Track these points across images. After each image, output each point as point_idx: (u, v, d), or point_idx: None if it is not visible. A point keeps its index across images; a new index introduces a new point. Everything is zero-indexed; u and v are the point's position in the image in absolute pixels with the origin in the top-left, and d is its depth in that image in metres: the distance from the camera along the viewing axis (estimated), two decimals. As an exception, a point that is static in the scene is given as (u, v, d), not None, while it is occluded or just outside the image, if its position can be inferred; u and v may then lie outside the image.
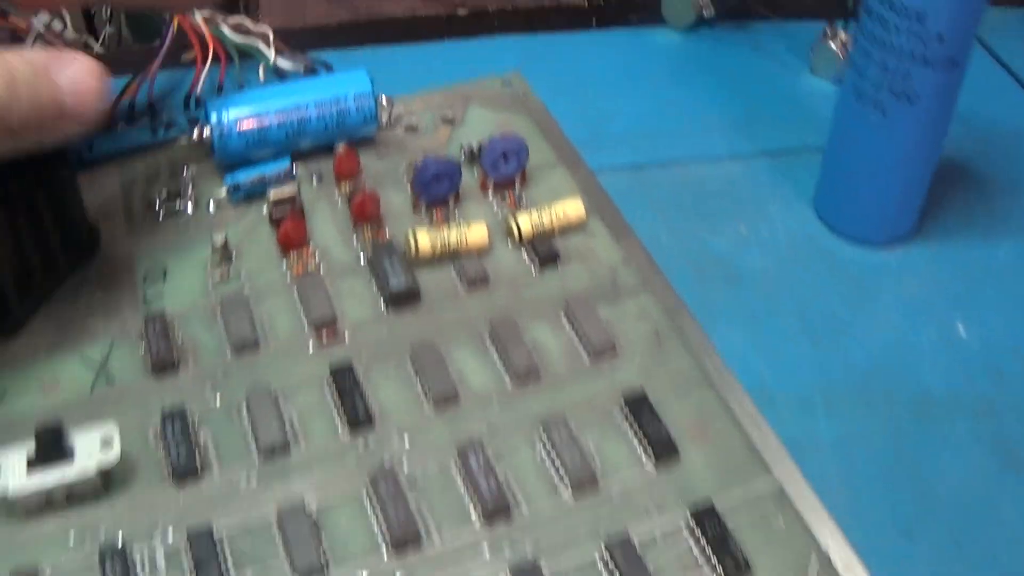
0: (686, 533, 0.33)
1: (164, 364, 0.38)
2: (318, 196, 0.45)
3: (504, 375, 0.38)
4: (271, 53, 0.54)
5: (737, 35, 0.62)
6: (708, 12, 0.61)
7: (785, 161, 0.52)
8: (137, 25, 0.96)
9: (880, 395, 0.42)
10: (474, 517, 0.34)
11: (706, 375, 0.38)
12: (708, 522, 0.33)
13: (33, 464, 0.33)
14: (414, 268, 0.41)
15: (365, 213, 0.43)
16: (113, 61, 0.40)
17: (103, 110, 0.36)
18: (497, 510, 0.34)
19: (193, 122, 0.48)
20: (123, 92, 0.50)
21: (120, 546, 0.32)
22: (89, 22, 1.01)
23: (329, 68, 0.51)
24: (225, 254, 0.42)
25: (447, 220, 0.44)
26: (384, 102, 0.47)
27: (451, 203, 0.44)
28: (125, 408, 0.37)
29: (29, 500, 0.33)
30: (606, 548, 0.33)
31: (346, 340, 0.39)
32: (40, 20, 0.54)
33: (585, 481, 0.35)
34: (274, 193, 0.43)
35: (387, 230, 0.43)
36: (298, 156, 0.46)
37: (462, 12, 0.60)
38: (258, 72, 0.54)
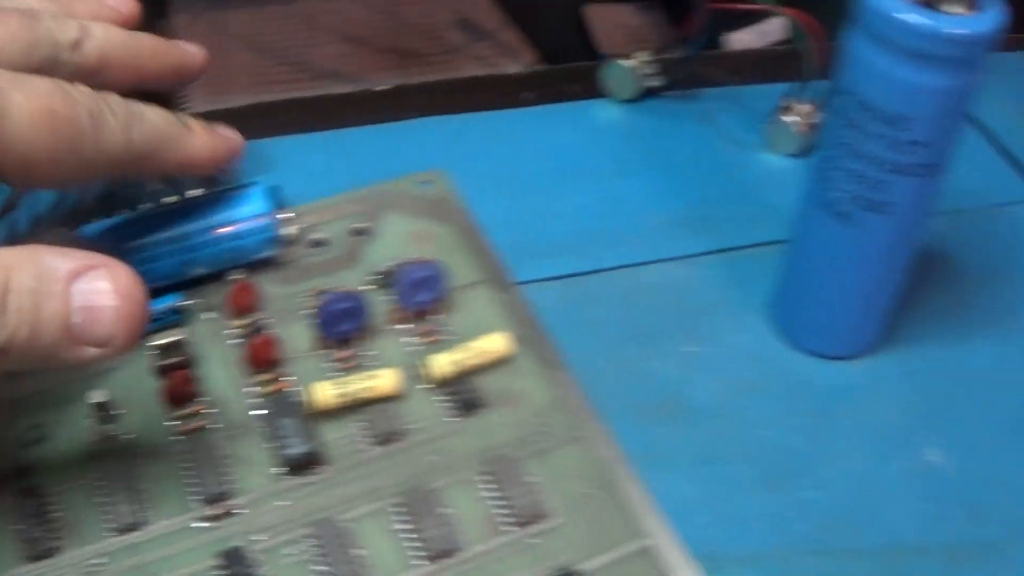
0: None
1: (40, 550, 0.36)
2: (210, 335, 0.43)
3: (419, 552, 0.37)
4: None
5: (686, 106, 0.60)
6: (652, 82, 0.58)
7: (737, 260, 0.51)
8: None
9: (843, 546, 0.41)
10: None
11: (646, 545, 0.37)
12: None
13: None
14: (316, 424, 0.39)
15: (262, 359, 0.41)
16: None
17: (130, 343, 0.33)
18: None
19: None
20: (3, 209, 0.47)
21: None
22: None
23: (225, 172, 0.48)
24: (105, 412, 0.39)
25: (357, 360, 0.41)
26: (287, 215, 0.44)
27: (360, 339, 0.42)
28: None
29: None
30: None
31: (239, 515, 0.38)
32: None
33: None
34: (158, 338, 0.40)
35: (287, 378, 0.41)
36: (187, 285, 0.44)
37: (380, 88, 0.57)
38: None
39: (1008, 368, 0.49)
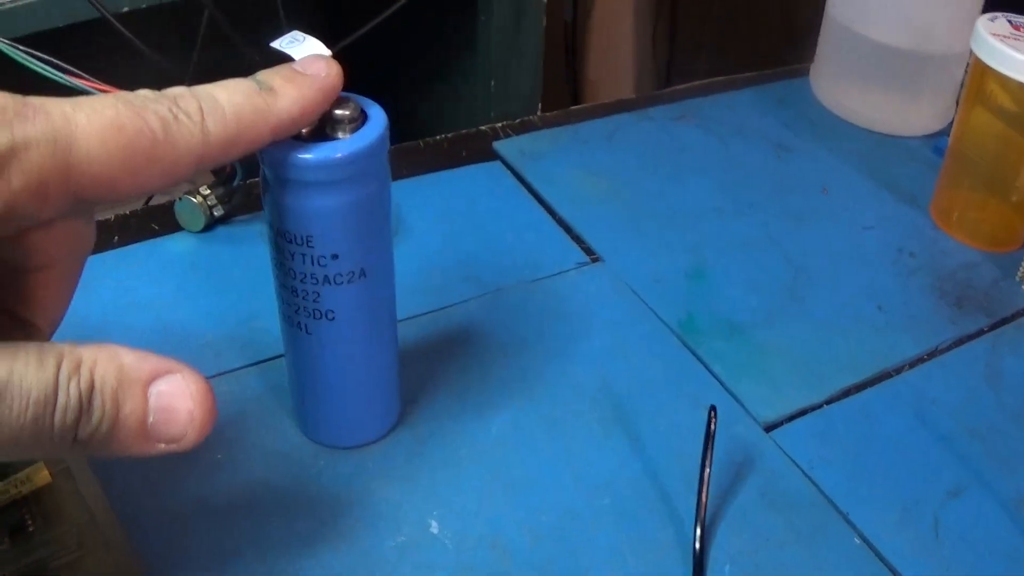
0: None
1: None
2: None
3: None
4: None
5: (252, 227, 0.66)
6: (219, 211, 0.63)
7: (272, 368, 0.55)
8: None
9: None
10: None
11: None
12: None
13: None
14: None
15: None
16: None
17: (199, 441, 0.35)
18: None
19: None
20: None
21: None
22: None
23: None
24: None
25: None
26: None
27: None
28: None
29: None
30: None
31: None
32: None
33: None
34: None
35: None
36: None
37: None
38: None
39: (519, 435, 0.54)
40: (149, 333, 0.58)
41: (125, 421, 0.33)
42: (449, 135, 0.76)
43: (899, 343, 0.62)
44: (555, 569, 0.48)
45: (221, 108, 0.36)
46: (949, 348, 0.62)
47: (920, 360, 0.61)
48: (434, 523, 0.49)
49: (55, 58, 0.43)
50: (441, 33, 0.89)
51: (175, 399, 0.34)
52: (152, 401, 0.34)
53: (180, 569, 0.46)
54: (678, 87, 0.85)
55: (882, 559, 0.49)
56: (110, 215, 0.68)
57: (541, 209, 0.70)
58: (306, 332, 0.47)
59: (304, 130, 0.42)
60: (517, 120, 0.79)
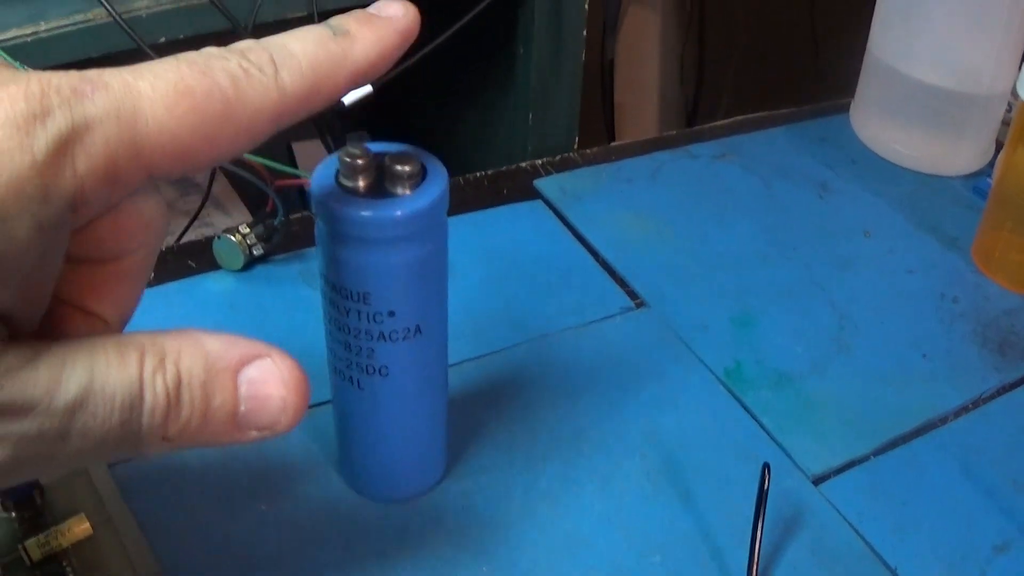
0: None
1: None
2: None
3: None
4: None
5: (292, 266, 0.65)
6: (257, 250, 0.62)
7: (315, 416, 0.53)
8: None
9: None
10: None
11: None
12: None
13: None
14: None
15: None
16: None
17: (293, 426, 0.33)
18: None
19: None
20: None
21: None
22: None
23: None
24: None
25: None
26: None
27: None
28: None
29: None
30: None
31: None
32: None
33: None
34: None
35: None
36: None
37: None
38: None
39: (570, 488, 0.53)
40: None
41: (215, 414, 0.32)
42: (489, 172, 0.76)
43: (944, 392, 0.61)
44: (608, 630, 0.46)
45: (295, 58, 0.33)
46: (992, 397, 0.61)
47: (964, 410, 0.60)
48: (486, 578, 0.48)
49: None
50: (479, 66, 0.89)
51: (266, 386, 0.33)
52: (242, 390, 0.32)
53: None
54: (718, 123, 0.84)
55: (931, 616, 0.48)
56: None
57: (584, 251, 0.69)
58: (358, 387, 0.46)
59: (362, 184, 0.42)
60: (557, 157, 0.78)
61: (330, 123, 0.93)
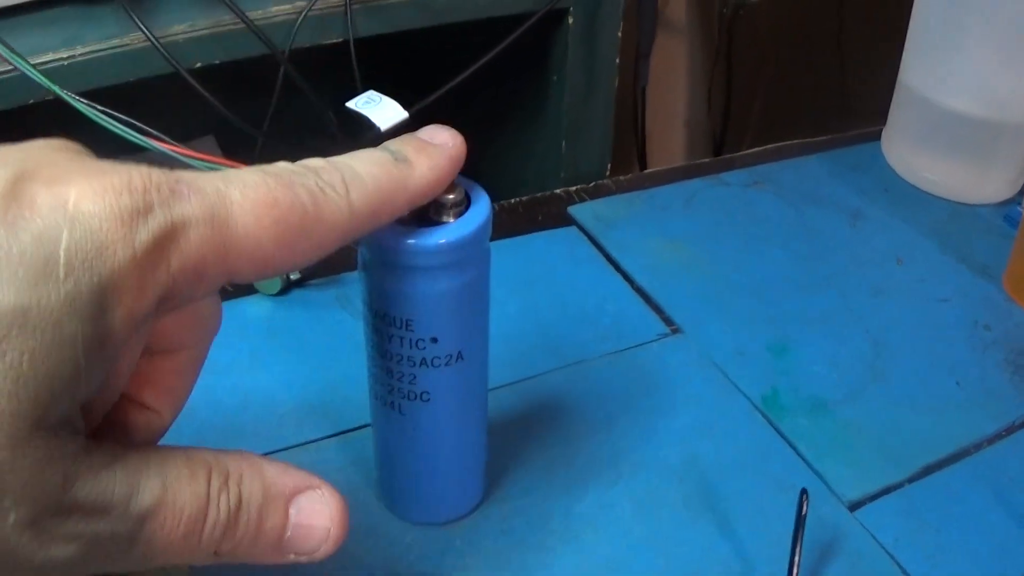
0: None
1: None
2: None
3: None
4: None
5: (330, 290, 0.65)
6: (294, 275, 0.63)
7: (354, 441, 0.55)
8: None
9: None
10: None
11: None
12: None
13: None
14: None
15: None
16: None
17: (331, 554, 0.35)
18: None
19: None
20: None
21: None
22: None
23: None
24: None
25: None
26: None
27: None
28: None
29: None
30: None
31: None
32: None
33: None
34: None
35: None
36: None
37: None
38: None
39: (609, 514, 0.53)
40: (228, 399, 0.58)
41: (266, 536, 0.33)
42: (524, 199, 0.76)
43: (977, 420, 0.61)
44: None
45: (362, 180, 0.35)
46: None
47: (998, 437, 0.60)
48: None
49: (121, 113, 0.42)
50: (513, 92, 0.89)
51: (315, 517, 0.34)
52: (292, 517, 0.34)
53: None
54: (750, 151, 0.85)
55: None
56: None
57: (619, 277, 0.69)
58: (399, 412, 0.47)
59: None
60: (591, 184, 0.78)
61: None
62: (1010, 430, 0.60)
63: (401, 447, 0.48)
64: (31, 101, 0.61)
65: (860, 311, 0.68)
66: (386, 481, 0.51)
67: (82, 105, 0.43)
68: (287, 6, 0.69)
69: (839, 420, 0.60)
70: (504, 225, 0.73)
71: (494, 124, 0.94)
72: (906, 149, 0.83)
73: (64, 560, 0.29)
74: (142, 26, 0.64)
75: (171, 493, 0.31)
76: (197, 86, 0.64)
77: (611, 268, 0.70)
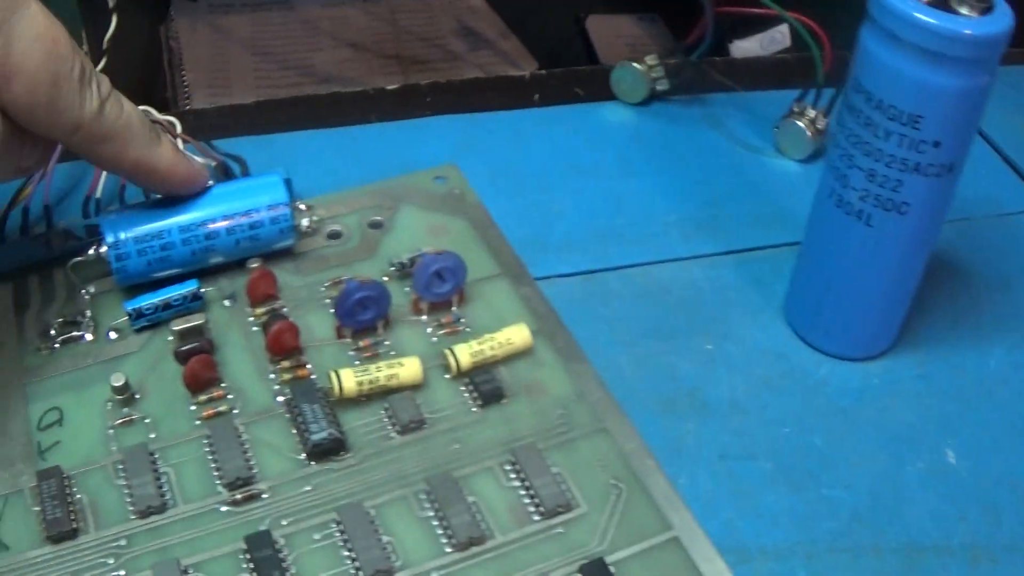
0: None
1: (60, 531, 0.36)
2: (230, 322, 0.43)
3: (445, 541, 0.37)
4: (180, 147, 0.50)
5: (694, 109, 0.60)
6: (662, 85, 0.58)
7: (750, 260, 0.51)
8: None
9: (865, 543, 0.41)
10: None
11: (673, 537, 0.37)
12: None
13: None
14: (339, 411, 0.39)
15: (283, 346, 0.41)
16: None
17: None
18: None
19: (92, 231, 0.45)
20: (17, 194, 0.46)
21: None
22: None
23: (242, 164, 0.48)
24: (126, 395, 0.39)
25: (375, 350, 0.41)
26: (303, 207, 0.44)
27: (379, 329, 0.41)
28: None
29: None
30: None
31: (264, 499, 0.38)
32: None
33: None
34: (178, 324, 0.41)
35: (308, 365, 0.40)
36: (206, 273, 0.44)
37: (391, 87, 0.57)
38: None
39: (1021, 373, 0.49)
40: (601, 202, 0.55)
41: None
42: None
43: None
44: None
45: (124, 110, 0.39)
46: None
47: None
48: (950, 453, 0.45)
49: None
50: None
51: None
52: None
53: (680, 463, 0.43)
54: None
55: None
56: (526, 72, 0.63)
57: (986, 145, 0.63)
58: (865, 223, 0.42)
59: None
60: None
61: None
62: None
63: (851, 264, 0.44)
64: None
65: None
66: (807, 304, 0.47)
67: None
68: None
69: None
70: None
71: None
72: None
73: None
74: None
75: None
76: None
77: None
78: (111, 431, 0.40)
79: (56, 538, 0.36)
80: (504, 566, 0.36)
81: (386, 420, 0.40)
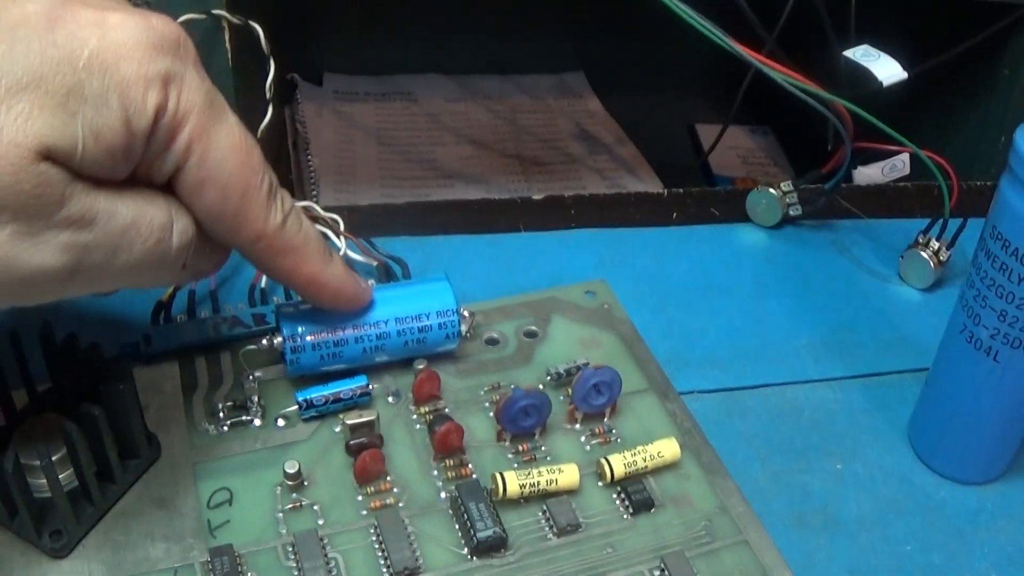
0: None
1: None
2: (394, 418, 0.46)
3: None
4: (341, 244, 0.54)
5: (822, 234, 0.64)
6: (795, 211, 0.61)
7: (876, 385, 0.54)
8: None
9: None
10: None
11: None
12: None
13: None
14: (499, 509, 0.41)
15: (449, 446, 0.44)
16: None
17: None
18: None
19: (258, 319, 0.48)
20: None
21: None
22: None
23: (403, 266, 0.52)
24: (297, 482, 0.42)
25: (533, 454, 0.44)
26: (465, 313, 0.48)
27: (537, 435, 0.45)
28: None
29: None
30: None
31: None
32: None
33: None
34: (351, 418, 0.44)
35: (470, 465, 0.43)
36: (369, 369, 0.47)
37: (536, 197, 0.61)
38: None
39: None
40: (739, 321, 0.58)
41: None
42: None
43: None
44: None
45: (304, 226, 0.41)
46: None
47: None
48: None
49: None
50: (957, 73, 0.86)
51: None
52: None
53: None
54: None
55: None
56: (663, 190, 0.66)
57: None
58: (992, 358, 0.45)
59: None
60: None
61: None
62: None
63: (975, 396, 0.47)
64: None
65: None
66: (931, 430, 0.50)
67: None
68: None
69: None
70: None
71: (941, 109, 0.91)
72: None
73: (55, 268, 0.33)
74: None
75: (142, 209, 0.36)
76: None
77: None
78: (280, 514, 0.43)
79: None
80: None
81: (543, 522, 0.43)
